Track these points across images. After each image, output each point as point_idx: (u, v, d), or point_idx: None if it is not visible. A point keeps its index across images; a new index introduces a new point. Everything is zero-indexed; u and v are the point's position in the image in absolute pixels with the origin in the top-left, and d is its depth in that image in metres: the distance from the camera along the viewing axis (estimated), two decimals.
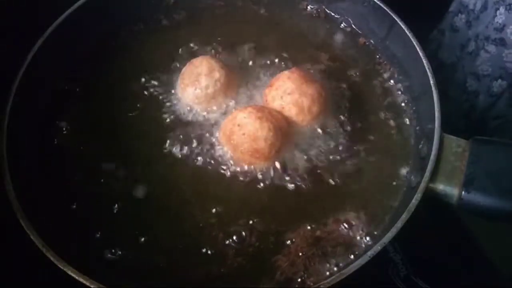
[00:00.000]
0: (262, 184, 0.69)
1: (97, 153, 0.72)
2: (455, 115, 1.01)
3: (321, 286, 0.58)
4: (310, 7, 0.88)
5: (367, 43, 0.84)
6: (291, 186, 0.69)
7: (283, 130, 0.70)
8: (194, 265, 0.64)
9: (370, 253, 0.59)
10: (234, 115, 0.70)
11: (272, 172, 0.69)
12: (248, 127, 0.68)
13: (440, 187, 0.64)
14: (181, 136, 0.73)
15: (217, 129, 0.73)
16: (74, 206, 0.68)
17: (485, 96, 0.98)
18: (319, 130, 0.73)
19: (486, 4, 0.93)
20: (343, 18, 0.87)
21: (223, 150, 0.71)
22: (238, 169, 0.70)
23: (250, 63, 0.81)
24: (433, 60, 0.97)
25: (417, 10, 0.89)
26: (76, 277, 0.57)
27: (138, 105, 0.77)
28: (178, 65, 0.80)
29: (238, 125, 0.68)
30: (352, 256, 0.64)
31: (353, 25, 0.86)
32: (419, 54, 0.74)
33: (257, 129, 0.67)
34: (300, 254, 0.64)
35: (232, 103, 0.75)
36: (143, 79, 0.79)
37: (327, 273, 0.62)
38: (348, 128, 0.74)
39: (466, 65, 0.96)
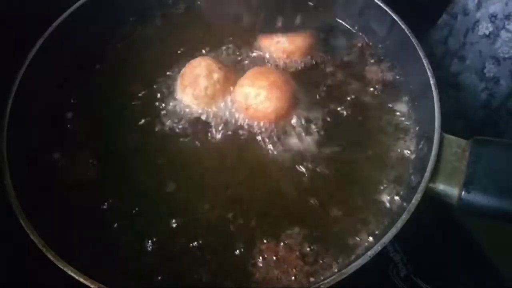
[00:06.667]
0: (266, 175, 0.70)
1: (96, 153, 0.72)
2: (472, 106, 0.96)
3: (321, 286, 0.58)
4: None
5: (366, 43, 0.84)
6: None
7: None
8: (195, 263, 0.64)
9: (370, 253, 0.59)
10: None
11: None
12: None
13: (440, 187, 0.64)
14: (181, 137, 0.73)
15: (216, 129, 0.73)
16: (75, 206, 0.68)
17: (507, 81, 0.92)
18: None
19: None
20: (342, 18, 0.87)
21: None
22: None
23: (250, 63, 0.81)
24: (442, 47, 0.95)
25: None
26: (76, 277, 0.57)
27: (138, 106, 0.77)
28: (177, 66, 0.80)
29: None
30: (352, 256, 0.64)
31: (353, 25, 0.86)
32: (419, 54, 0.74)
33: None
34: (299, 253, 0.64)
35: (231, 103, 0.75)
36: (142, 80, 0.79)
37: (327, 273, 0.62)
38: (348, 127, 0.74)
39: (484, 49, 0.91)
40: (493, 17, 0.88)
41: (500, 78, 0.90)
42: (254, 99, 0.71)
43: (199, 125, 0.74)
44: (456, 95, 0.95)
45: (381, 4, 0.80)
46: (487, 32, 0.88)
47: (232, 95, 0.75)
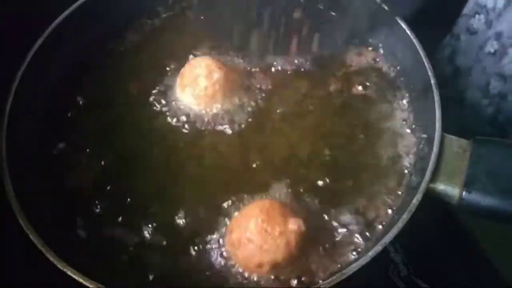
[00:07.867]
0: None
1: (97, 153, 0.72)
2: (477, 122, 0.96)
3: (321, 286, 0.58)
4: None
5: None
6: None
7: None
8: (197, 263, 0.64)
9: (371, 253, 0.58)
10: (238, 222, 0.63)
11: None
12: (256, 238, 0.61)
13: (441, 187, 0.64)
14: (181, 137, 0.73)
15: (216, 129, 0.73)
16: (75, 206, 0.68)
17: None
18: None
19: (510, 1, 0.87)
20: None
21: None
22: None
23: (250, 63, 0.80)
24: (449, 66, 0.95)
25: (427, 16, 0.87)
26: (76, 278, 0.57)
27: (137, 106, 0.77)
28: (177, 65, 0.80)
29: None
30: (352, 256, 0.64)
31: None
32: (419, 54, 0.74)
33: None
34: (300, 254, 0.64)
35: (231, 104, 0.75)
36: (142, 80, 0.79)
37: (328, 273, 0.62)
38: (348, 128, 0.74)
39: (489, 66, 0.91)
40: (498, 36, 0.88)
41: (508, 95, 0.91)
42: None
43: (199, 125, 0.74)
44: (460, 112, 0.95)
45: (382, 5, 0.80)
46: (492, 50, 0.89)
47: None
